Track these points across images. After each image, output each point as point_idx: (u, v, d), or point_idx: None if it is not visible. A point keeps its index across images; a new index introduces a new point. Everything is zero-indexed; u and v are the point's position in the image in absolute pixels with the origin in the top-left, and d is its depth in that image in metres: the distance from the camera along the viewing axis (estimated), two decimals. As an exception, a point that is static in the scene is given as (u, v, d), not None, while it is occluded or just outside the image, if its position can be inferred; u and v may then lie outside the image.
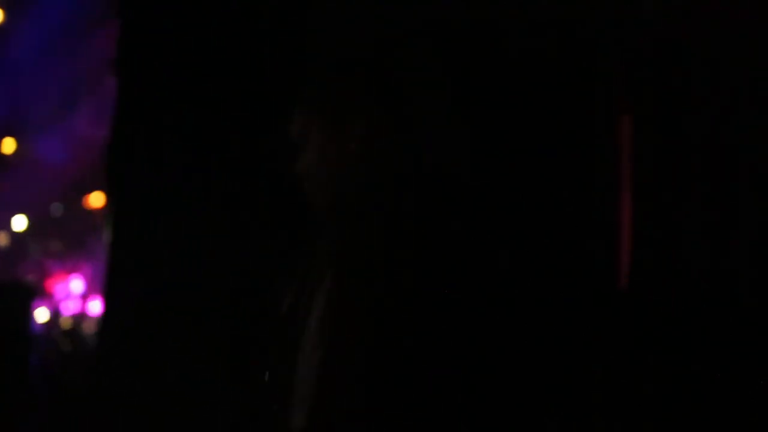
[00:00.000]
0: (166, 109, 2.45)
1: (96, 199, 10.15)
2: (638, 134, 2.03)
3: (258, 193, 2.30)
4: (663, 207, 2.03)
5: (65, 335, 6.12)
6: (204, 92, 2.41)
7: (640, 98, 2.05)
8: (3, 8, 8.05)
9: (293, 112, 1.41)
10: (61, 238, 9.62)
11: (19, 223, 9.00)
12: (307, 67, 2.08)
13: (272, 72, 2.31)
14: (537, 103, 2.07)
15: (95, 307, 8.40)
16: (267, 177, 2.24)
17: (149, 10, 2.43)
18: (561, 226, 2.03)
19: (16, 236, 9.04)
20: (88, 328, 7.05)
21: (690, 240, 1.99)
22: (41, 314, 5.90)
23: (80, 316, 7.99)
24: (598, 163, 2.05)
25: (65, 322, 7.12)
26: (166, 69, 2.44)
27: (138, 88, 2.52)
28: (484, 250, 1.45)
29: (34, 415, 5.00)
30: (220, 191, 2.36)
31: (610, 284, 1.99)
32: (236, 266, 2.22)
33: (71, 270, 9.44)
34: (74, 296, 8.90)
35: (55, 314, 7.38)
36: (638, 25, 2.05)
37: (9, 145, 8.99)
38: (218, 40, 2.36)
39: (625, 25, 2.05)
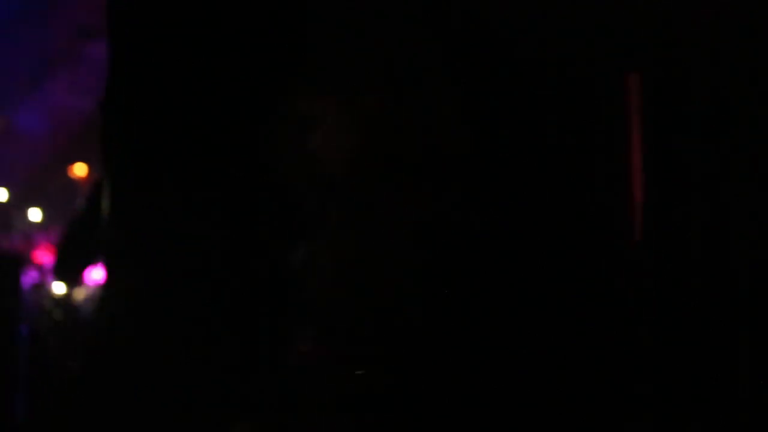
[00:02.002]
0: (163, 78, 2.39)
1: (79, 169, 10.07)
2: (647, 90, 2.03)
3: (260, 175, 2.25)
4: (674, 160, 2.03)
5: (57, 304, 6.08)
6: (205, 61, 2.35)
7: (647, 56, 2.04)
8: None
9: (297, 89, 1.41)
10: (45, 208, 9.54)
11: (1, 194, 8.92)
12: (309, 43, 2.03)
13: (273, 50, 2.25)
14: (540, 63, 2.05)
15: (90, 275, 8.36)
16: (269, 158, 2.19)
17: None
18: (571, 184, 2.01)
19: (-1, 209, 8.97)
20: (79, 297, 7.01)
21: (704, 192, 1.98)
22: (31, 283, 5.89)
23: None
24: (607, 120, 2.05)
25: (56, 292, 7.08)
26: (162, 35, 2.37)
27: (132, 55, 2.45)
28: (494, 219, 1.44)
29: (25, 384, 4.97)
30: (221, 168, 2.31)
31: (626, 239, 1.98)
32: (234, 245, 2.18)
33: (57, 240, 9.37)
34: (62, 266, 8.83)
35: (46, 284, 7.34)
36: None
37: (-14, 116, 8.88)
38: (217, 9, 2.29)
39: None
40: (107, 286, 2.33)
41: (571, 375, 1.72)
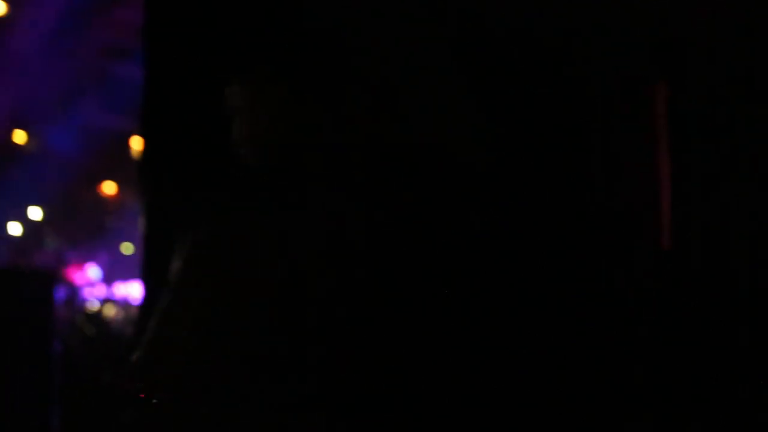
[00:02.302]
0: (198, 89, 2.40)
1: (108, 188, 10.24)
2: (673, 95, 1.99)
3: None
4: (701, 165, 1.99)
5: (88, 320, 6.20)
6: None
7: (673, 61, 2.01)
8: (6, 1, 8.10)
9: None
10: (76, 226, 9.69)
11: (35, 213, 9.10)
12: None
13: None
14: (566, 68, 2.00)
15: (119, 292, 8.50)
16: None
17: None
18: (600, 187, 1.98)
19: (31, 226, 9.14)
20: (110, 313, 7.14)
21: (731, 196, 1.95)
22: (64, 299, 6.01)
23: (104, 302, 8.09)
24: (634, 124, 2.01)
25: (88, 308, 7.21)
26: (196, 50, 2.39)
27: (167, 72, 2.49)
28: (508, 219, 1.41)
29: (57, 399, 5.06)
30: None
31: (653, 244, 1.95)
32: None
33: (87, 258, 9.53)
34: (94, 283, 8.99)
35: (77, 300, 7.48)
36: None
37: (20, 137, 9.06)
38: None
39: None
40: (143, 301, 2.38)
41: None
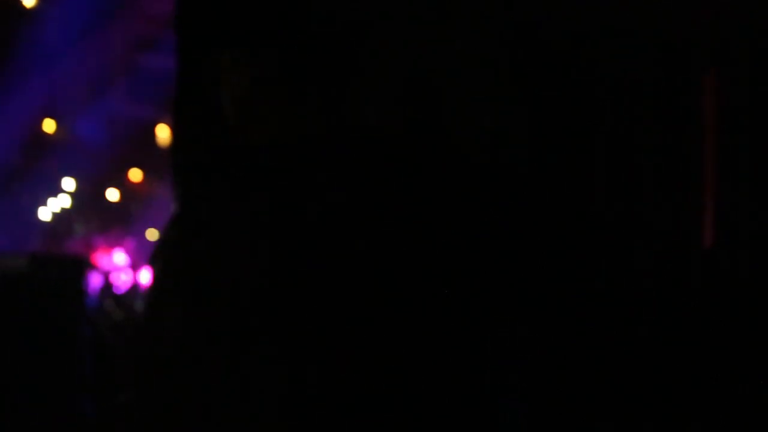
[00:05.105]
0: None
1: (134, 175, 10.40)
2: (722, 89, 1.98)
3: None
4: (748, 165, 1.98)
5: (117, 305, 6.34)
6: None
7: (723, 53, 2.01)
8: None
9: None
10: (103, 213, 9.86)
11: (63, 200, 9.30)
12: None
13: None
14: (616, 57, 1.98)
15: (144, 277, 8.65)
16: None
17: None
18: (641, 185, 1.97)
19: (60, 213, 9.34)
20: (139, 298, 7.28)
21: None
22: (95, 285, 6.16)
23: (131, 287, 8.23)
24: (680, 121, 2.01)
25: (116, 293, 7.36)
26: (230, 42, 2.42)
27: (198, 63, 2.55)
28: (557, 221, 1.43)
29: (87, 383, 5.16)
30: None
31: (696, 244, 1.94)
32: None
33: (114, 244, 9.70)
34: (121, 268, 9.15)
35: (106, 286, 7.63)
36: None
37: (50, 126, 9.25)
38: None
39: None
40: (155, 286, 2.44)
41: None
